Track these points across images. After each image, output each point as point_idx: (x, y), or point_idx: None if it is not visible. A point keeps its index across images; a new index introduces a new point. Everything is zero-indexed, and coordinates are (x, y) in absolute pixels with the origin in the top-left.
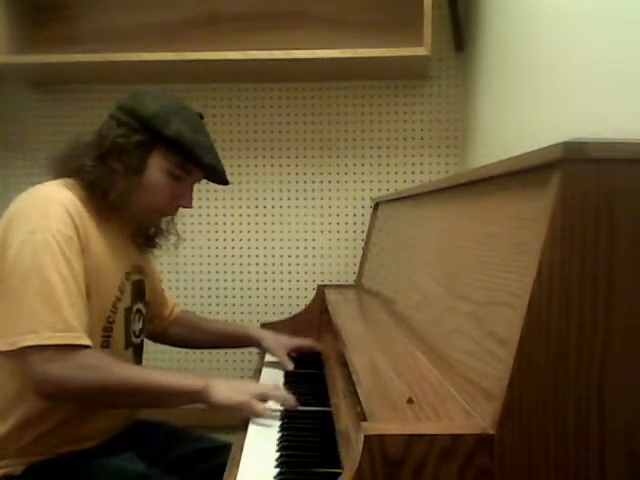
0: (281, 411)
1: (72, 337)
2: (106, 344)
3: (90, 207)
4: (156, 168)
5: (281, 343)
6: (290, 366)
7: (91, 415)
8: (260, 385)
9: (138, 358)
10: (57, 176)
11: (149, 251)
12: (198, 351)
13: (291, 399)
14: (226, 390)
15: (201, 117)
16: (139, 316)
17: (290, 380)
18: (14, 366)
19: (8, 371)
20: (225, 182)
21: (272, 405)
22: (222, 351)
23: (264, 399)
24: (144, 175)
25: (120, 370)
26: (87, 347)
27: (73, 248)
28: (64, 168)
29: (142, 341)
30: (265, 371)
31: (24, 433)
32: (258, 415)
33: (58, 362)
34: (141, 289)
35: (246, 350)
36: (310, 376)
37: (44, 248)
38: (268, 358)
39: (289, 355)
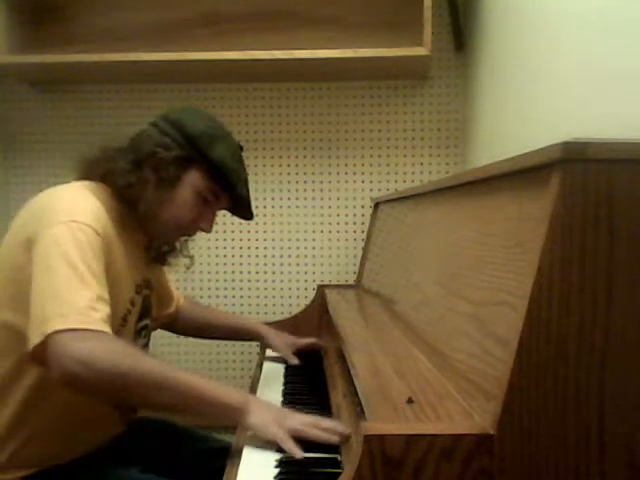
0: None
1: (102, 324)
2: None
3: (114, 215)
4: (189, 186)
5: (284, 340)
6: (295, 360)
7: (78, 425)
8: (301, 419)
9: None
10: (82, 179)
11: (158, 267)
12: (197, 349)
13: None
14: (265, 416)
15: (241, 148)
16: (145, 332)
17: (291, 375)
18: None
19: None
20: (250, 217)
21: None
22: (222, 349)
23: (301, 438)
24: (175, 190)
25: (152, 362)
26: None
27: (98, 244)
28: (91, 171)
29: None
30: (266, 365)
31: (6, 444)
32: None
33: (88, 342)
34: (148, 305)
35: (247, 347)
36: (310, 372)
37: (71, 240)
38: (269, 352)
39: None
